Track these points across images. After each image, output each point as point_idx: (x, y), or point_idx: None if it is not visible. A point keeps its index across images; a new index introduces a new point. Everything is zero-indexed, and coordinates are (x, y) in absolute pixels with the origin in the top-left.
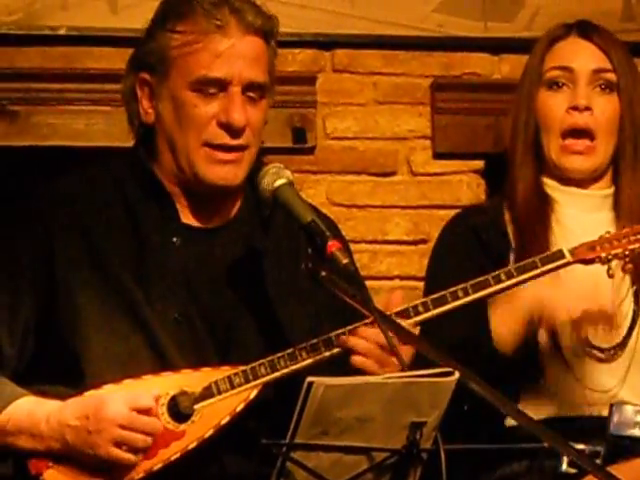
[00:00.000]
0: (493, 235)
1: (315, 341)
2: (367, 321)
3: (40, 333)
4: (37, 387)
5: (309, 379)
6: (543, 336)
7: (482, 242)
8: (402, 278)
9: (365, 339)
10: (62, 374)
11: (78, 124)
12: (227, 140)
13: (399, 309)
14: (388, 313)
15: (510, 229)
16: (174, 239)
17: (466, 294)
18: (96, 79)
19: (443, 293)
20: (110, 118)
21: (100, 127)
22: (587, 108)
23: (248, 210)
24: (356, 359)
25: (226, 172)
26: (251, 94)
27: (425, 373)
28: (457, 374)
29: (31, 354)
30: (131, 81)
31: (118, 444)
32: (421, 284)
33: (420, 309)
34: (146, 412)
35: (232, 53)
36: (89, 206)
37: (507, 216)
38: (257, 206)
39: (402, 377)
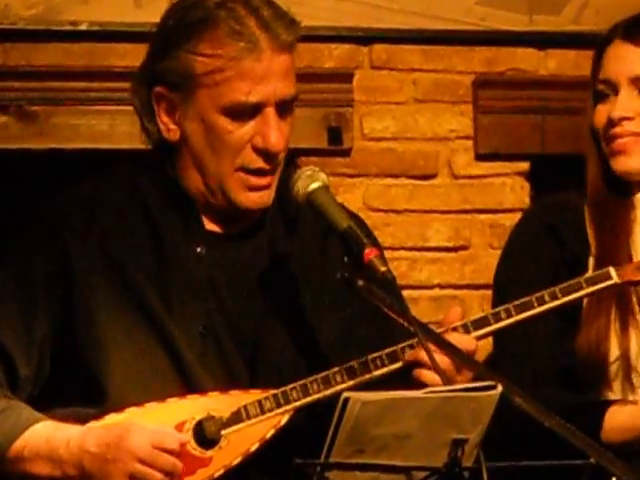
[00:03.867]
0: (572, 236)
1: (352, 364)
2: (410, 342)
3: (57, 353)
4: (55, 410)
5: (345, 394)
6: None
7: (560, 243)
8: (442, 287)
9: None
10: (82, 395)
11: (101, 125)
12: (262, 165)
13: (455, 324)
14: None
15: (590, 230)
16: (198, 248)
17: (509, 316)
18: (120, 77)
19: (484, 315)
20: (135, 119)
21: (125, 128)
22: (624, 118)
23: (273, 212)
24: (426, 375)
25: (260, 197)
26: (283, 110)
27: (466, 387)
28: (500, 387)
29: (48, 375)
30: (144, 95)
31: (133, 478)
32: (462, 293)
33: (460, 330)
34: (169, 451)
35: (266, 75)
36: (108, 215)
37: (587, 215)
38: (282, 207)
39: (442, 391)
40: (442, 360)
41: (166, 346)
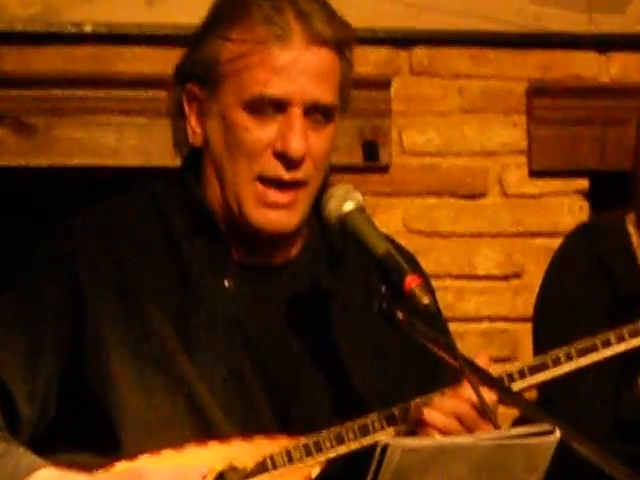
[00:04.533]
0: (623, 266)
1: (391, 410)
2: (450, 390)
3: (64, 393)
4: (59, 455)
5: (384, 441)
6: None
7: (611, 277)
8: (492, 319)
9: (442, 411)
10: (90, 440)
11: (107, 139)
12: (282, 173)
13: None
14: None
15: None
16: (225, 282)
17: (569, 358)
18: (128, 85)
19: (544, 359)
20: (145, 131)
21: (133, 142)
22: None
23: (314, 243)
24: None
25: (278, 217)
26: (315, 117)
27: (521, 432)
28: (558, 433)
29: (53, 417)
30: (177, 94)
31: None
32: (514, 326)
33: (515, 376)
34: None
35: (293, 68)
36: (126, 241)
37: (635, 238)
38: (325, 237)
39: (494, 438)
40: (491, 401)
41: (183, 391)
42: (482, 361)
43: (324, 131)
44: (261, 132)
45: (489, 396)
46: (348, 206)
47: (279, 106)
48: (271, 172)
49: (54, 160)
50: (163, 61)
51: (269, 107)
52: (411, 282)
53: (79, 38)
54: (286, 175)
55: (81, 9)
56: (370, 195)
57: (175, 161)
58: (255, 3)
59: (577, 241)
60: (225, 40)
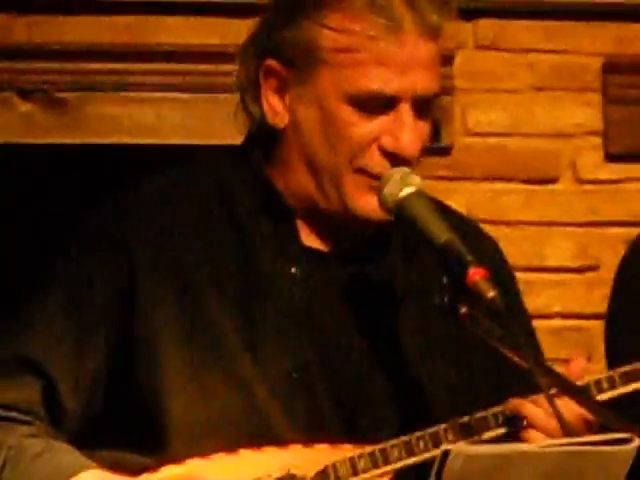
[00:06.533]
0: None
1: (465, 421)
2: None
3: (111, 386)
4: (104, 452)
5: (445, 446)
6: None
7: None
8: (564, 316)
9: (544, 409)
10: (136, 438)
11: (146, 116)
12: (388, 169)
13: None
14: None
15: None
16: (292, 269)
17: None
18: (169, 58)
19: (637, 366)
20: (187, 108)
21: (174, 120)
22: None
23: (388, 230)
24: (534, 437)
25: None
26: (421, 108)
27: (594, 440)
28: (637, 441)
29: (99, 411)
30: (252, 67)
31: None
32: (589, 324)
33: (604, 386)
34: None
35: (406, 63)
36: (183, 220)
37: None
38: (401, 227)
39: (564, 445)
40: (567, 410)
41: (242, 389)
42: (577, 365)
43: (427, 121)
44: (367, 127)
45: (567, 406)
46: (407, 190)
47: (389, 102)
48: (377, 169)
49: (87, 139)
50: (207, 31)
51: (378, 103)
52: (475, 274)
53: (115, 6)
54: (392, 170)
55: None
56: (430, 179)
57: (221, 139)
58: None
59: None
60: (325, 28)
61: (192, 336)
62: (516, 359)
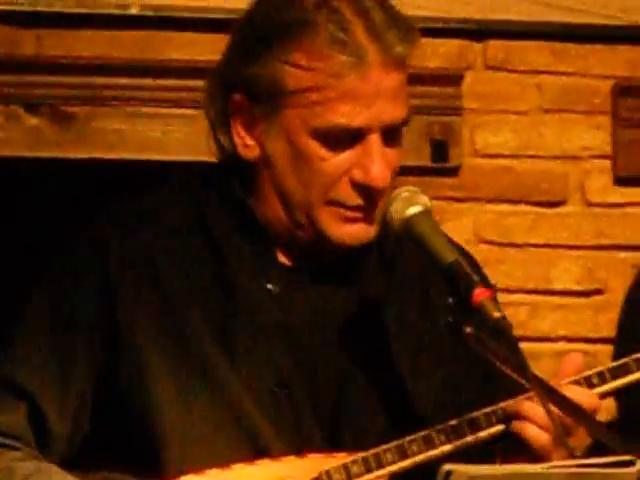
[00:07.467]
0: None
1: (457, 422)
2: (527, 395)
3: (99, 408)
4: (94, 475)
5: (446, 467)
6: None
7: None
8: (570, 340)
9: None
10: (127, 457)
11: (153, 131)
12: (361, 202)
13: (569, 379)
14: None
15: None
16: (269, 285)
17: None
18: (177, 74)
19: (625, 361)
20: (193, 124)
21: (180, 135)
22: None
23: (366, 247)
24: (529, 431)
25: (358, 230)
26: (390, 136)
27: (598, 462)
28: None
29: (86, 433)
30: (220, 101)
31: None
32: (595, 348)
33: (594, 380)
34: None
35: (373, 96)
36: (162, 241)
37: None
38: (377, 239)
39: (567, 466)
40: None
41: (227, 406)
42: (573, 363)
43: (396, 147)
44: (336, 160)
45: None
46: (413, 209)
47: (357, 134)
48: (350, 202)
49: (94, 153)
50: (215, 48)
51: (346, 136)
52: (480, 294)
53: (124, 21)
54: (366, 203)
55: None
56: (438, 200)
57: None
58: (318, 21)
59: None
60: (290, 66)
61: (175, 353)
62: (518, 379)
